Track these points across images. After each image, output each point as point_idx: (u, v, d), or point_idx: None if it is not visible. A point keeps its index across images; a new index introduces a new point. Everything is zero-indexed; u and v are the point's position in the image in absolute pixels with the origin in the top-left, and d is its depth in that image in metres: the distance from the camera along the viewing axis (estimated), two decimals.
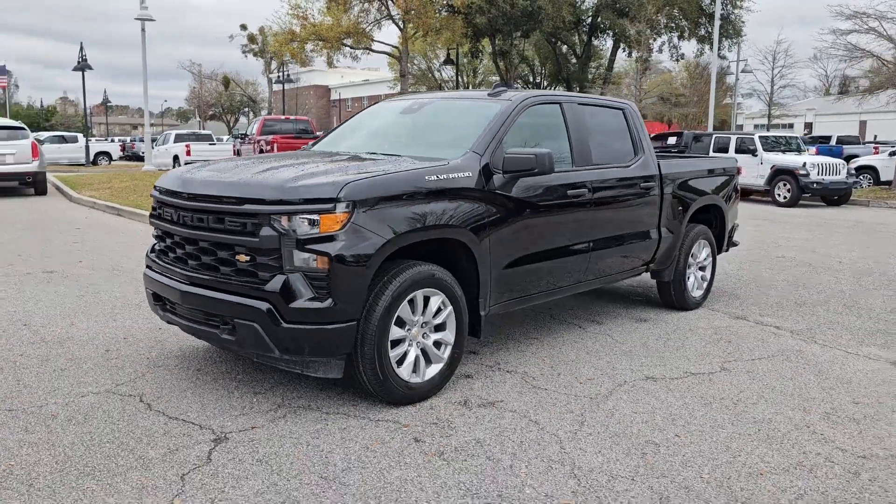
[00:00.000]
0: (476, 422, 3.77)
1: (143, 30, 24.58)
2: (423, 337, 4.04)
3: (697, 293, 6.51)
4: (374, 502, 2.93)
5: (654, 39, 34.05)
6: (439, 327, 4.13)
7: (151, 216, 4.33)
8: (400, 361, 3.92)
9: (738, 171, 7.12)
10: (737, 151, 17.87)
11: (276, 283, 3.60)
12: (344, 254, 3.56)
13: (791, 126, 58.39)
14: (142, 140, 38.82)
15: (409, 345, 3.97)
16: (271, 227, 3.59)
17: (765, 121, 52.47)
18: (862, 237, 11.64)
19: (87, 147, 36.58)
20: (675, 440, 3.60)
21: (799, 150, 18.07)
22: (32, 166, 15.64)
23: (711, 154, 18.38)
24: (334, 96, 78.71)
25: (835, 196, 16.96)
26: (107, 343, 5.04)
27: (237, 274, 3.75)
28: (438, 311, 4.09)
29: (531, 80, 47.67)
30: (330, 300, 3.57)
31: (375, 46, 30.50)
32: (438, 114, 5.17)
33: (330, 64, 31.34)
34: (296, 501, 2.92)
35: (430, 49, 36.91)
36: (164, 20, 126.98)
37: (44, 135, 40.33)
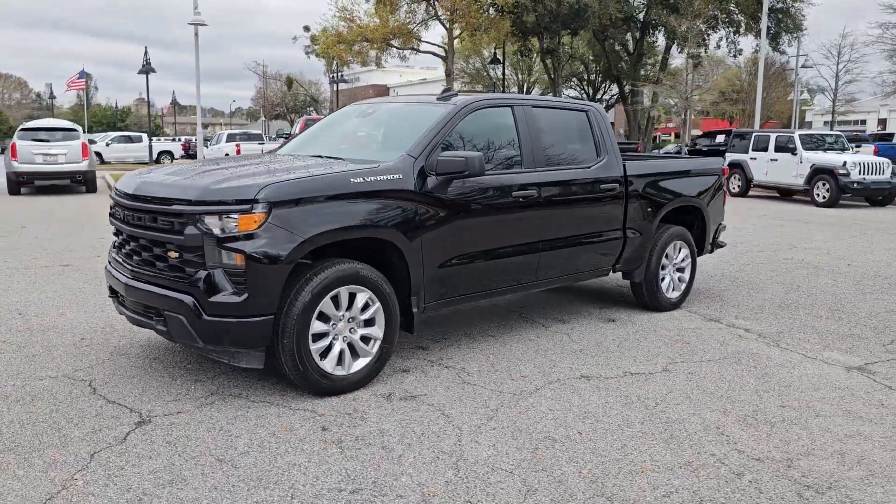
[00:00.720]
0: (389, 414, 3.94)
1: (196, 34, 25.54)
2: (349, 332, 4.23)
3: (674, 294, 6.49)
4: (254, 483, 3.14)
5: (708, 35, 33.29)
6: (369, 322, 4.31)
7: (109, 214, 4.66)
8: (325, 354, 4.12)
9: (724, 172, 7.03)
10: (776, 150, 17.39)
11: (198, 279, 3.85)
12: (259, 251, 3.78)
13: (863, 122, 56.00)
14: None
15: (335, 339, 4.17)
16: (195, 226, 3.84)
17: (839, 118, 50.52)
18: (890, 239, 11.23)
19: (150, 146, 38.17)
20: (576, 437, 3.69)
21: (843, 149, 17.44)
22: (82, 165, 16.52)
23: (751, 153, 17.99)
24: (392, 95, 79.64)
25: (878, 196, 16.31)
26: (84, 332, 5.42)
27: (169, 269, 4.03)
28: (367, 306, 4.27)
29: (585, 77, 47.25)
30: (246, 295, 3.80)
31: (423, 47, 30.81)
32: (389, 118, 5.35)
33: (378, 64, 31.83)
34: (183, 479, 3.15)
35: (478, 48, 36.94)
36: (238, 22, 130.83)
37: (111, 135, 42.32)
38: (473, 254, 4.80)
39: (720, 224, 7.08)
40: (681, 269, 6.58)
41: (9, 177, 16.42)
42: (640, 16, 32.72)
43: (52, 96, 71.43)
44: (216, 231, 3.81)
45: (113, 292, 4.60)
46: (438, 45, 29.93)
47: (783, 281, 7.79)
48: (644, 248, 6.14)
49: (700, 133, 33.43)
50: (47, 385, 4.28)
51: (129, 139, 39.67)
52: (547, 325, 5.86)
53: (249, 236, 3.79)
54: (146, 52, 37.81)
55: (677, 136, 59.03)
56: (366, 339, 4.31)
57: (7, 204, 14.84)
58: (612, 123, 59.85)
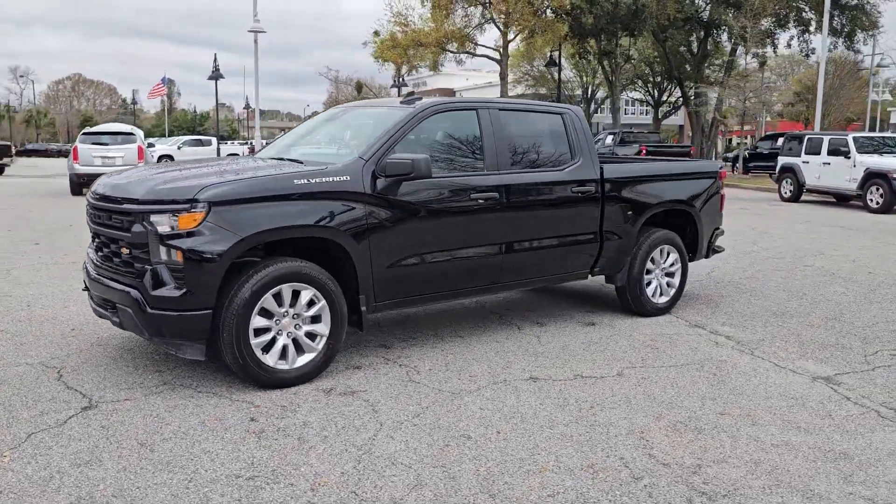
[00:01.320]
0: (322, 407, 4.07)
1: (255, 41, 26.45)
2: (294, 328, 4.39)
3: (661, 300, 6.39)
4: (161, 467, 3.32)
5: (776, 34, 32.16)
6: (316, 319, 4.47)
7: (87, 213, 4.97)
8: (268, 348, 4.29)
9: (721, 175, 6.87)
10: (829, 153, 16.71)
11: (143, 274, 4.09)
12: (196, 249, 3.99)
13: None
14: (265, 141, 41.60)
15: (279, 334, 4.33)
16: (141, 224, 4.08)
17: None
18: None
19: (217, 150, 39.63)
20: (492, 436, 3.73)
21: None
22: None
23: (804, 156, 17.37)
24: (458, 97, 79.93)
25: None
26: (77, 324, 5.77)
27: (122, 265, 4.28)
28: (312, 304, 4.42)
29: (651, 80, 46.27)
30: (185, 290, 4.01)
31: (479, 50, 30.94)
32: (352, 121, 5.49)
33: (434, 68, 32.14)
34: (99, 461, 3.37)
35: (535, 52, 36.78)
36: (317, 27, 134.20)
37: (183, 138, 44.18)
38: (427, 255, 4.88)
39: (716, 229, 6.92)
40: (670, 275, 6.47)
41: (70, 178, 17.44)
42: (703, 15, 31.87)
43: (133, 101, 74.84)
44: (159, 229, 4.03)
45: (86, 287, 4.90)
46: (493, 48, 29.99)
47: (790, 288, 7.54)
48: (624, 251, 6.08)
49: (763, 136, 32.32)
50: (21, 371, 4.61)
51: (200, 142, 41.35)
52: (522, 328, 5.88)
53: (189, 234, 4.00)
54: (215, 59, 39.38)
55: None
56: (312, 336, 4.46)
57: (66, 204, 15.76)
58: (681, 127, 58.46)
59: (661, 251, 6.35)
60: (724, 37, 32.97)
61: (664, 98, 46.53)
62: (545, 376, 4.69)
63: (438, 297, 5.15)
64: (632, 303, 6.27)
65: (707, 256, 6.94)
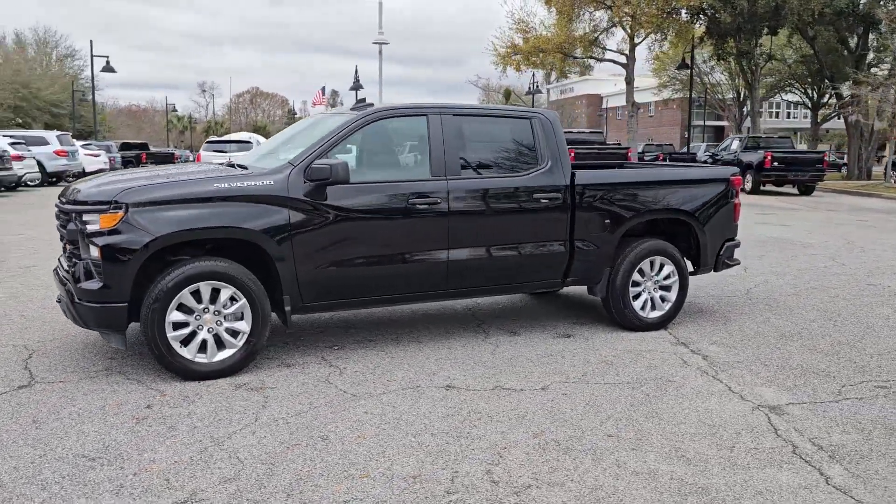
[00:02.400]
0: (219, 400, 4.26)
1: (380, 52, 27.54)
2: (216, 324, 4.63)
3: (653, 314, 6.01)
4: (29, 442, 3.64)
5: None
6: (239, 317, 4.68)
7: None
8: (188, 342, 4.56)
9: (733, 182, 6.34)
10: None
11: (74, 268, 4.50)
12: (112, 246, 4.34)
13: None
14: None
15: (199, 329, 4.59)
16: (75, 223, 4.50)
17: None
18: None
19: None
20: (350, 440, 3.74)
21: None
22: None
23: None
24: (605, 104, 78.27)
25: None
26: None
27: (68, 260, 4.73)
28: (233, 301, 4.64)
29: (809, 80, 42.75)
30: (101, 284, 4.37)
31: (607, 55, 30.21)
32: (310, 128, 5.64)
33: (561, 73, 31.73)
34: None
35: (670, 52, 35.19)
36: (478, 37, 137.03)
37: None
38: (359, 259, 4.95)
39: (728, 240, 6.38)
40: (665, 288, 6.07)
41: None
42: (857, 9, 29.05)
43: (291, 112, 80.00)
44: (87, 227, 4.43)
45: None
46: (618, 52, 29.12)
47: (828, 308, 6.79)
48: (601, 261, 5.80)
49: None
50: (1, 353, 5.21)
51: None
52: (490, 336, 5.78)
53: (109, 232, 4.35)
54: (356, 71, 41.39)
55: None
56: (234, 332, 4.68)
57: None
58: (826, 131, 53.21)
59: (651, 263, 5.97)
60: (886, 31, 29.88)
61: (824, 100, 42.82)
62: (463, 385, 4.60)
63: (375, 302, 5.20)
64: (616, 316, 5.96)
65: (717, 269, 6.43)
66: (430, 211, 5.11)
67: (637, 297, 5.96)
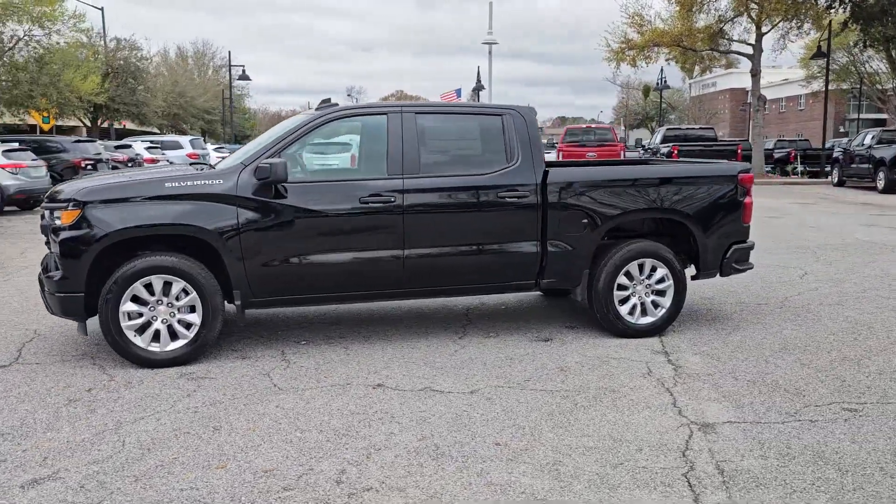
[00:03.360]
0: (154, 387, 4.50)
1: (489, 52, 27.58)
2: (170, 315, 4.90)
3: (643, 320, 5.65)
4: None
5: None
6: (191, 309, 4.92)
7: None
8: (143, 331, 4.86)
9: (742, 179, 5.82)
10: None
11: (46, 260, 4.93)
12: (69, 240, 4.71)
13: None
14: None
15: (153, 320, 4.87)
16: (50, 219, 4.93)
17: None
18: None
19: None
20: (239, 430, 3.83)
21: None
22: None
23: None
24: (749, 99, 73.58)
25: None
26: None
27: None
28: (186, 294, 4.88)
29: None
30: (60, 274, 4.75)
31: (731, 47, 28.41)
32: (277, 128, 5.77)
33: (685, 69, 30.17)
34: None
35: (809, 42, 32.40)
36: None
37: None
38: (310, 256, 5.03)
39: (736, 242, 5.86)
40: (658, 293, 5.68)
41: None
42: None
43: None
44: (55, 223, 4.83)
45: None
46: (741, 42, 27.25)
47: (860, 321, 6.05)
48: (578, 263, 5.52)
49: None
50: (3, 330, 5.79)
51: None
52: (464, 336, 5.68)
53: (65, 228, 4.73)
54: (478, 72, 41.74)
55: None
56: (187, 324, 4.93)
57: None
58: None
59: (640, 265, 5.61)
60: None
61: None
62: (394, 385, 4.57)
63: (329, 300, 5.27)
64: (601, 321, 5.66)
65: (724, 274, 5.92)
66: (384, 210, 5.11)
67: (625, 301, 5.62)
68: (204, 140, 47.25)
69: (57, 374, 4.79)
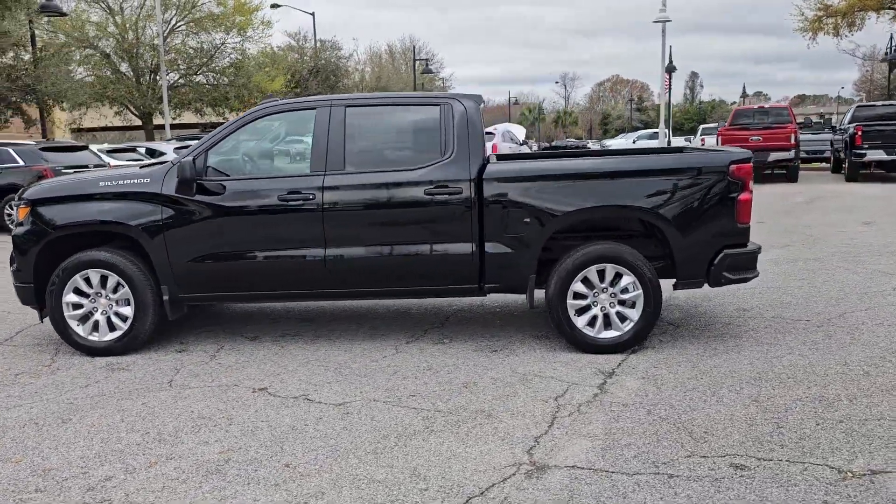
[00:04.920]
0: (66, 375, 4.77)
1: (663, 31, 25.71)
2: (109, 308, 5.17)
3: (605, 335, 4.92)
4: None
5: None
6: (129, 302, 5.16)
7: None
8: (84, 321, 5.18)
9: (736, 171, 4.81)
10: None
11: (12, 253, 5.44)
12: (18, 235, 5.14)
13: None
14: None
15: (94, 311, 5.17)
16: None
17: None
18: None
19: (668, 143, 39.41)
20: (79, 424, 3.93)
21: None
22: None
23: None
24: None
25: None
26: None
27: None
28: (121, 287, 5.12)
29: None
30: (15, 267, 5.20)
31: None
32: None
33: None
34: None
35: None
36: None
37: (641, 132, 44.95)
38: (231, 254, 5.02)
39: (728, 246, 4.89)
40: (627, 304, 4.93)
41: None
42: None
43: (632, 100, 78.64)
44: (16, 220, 5.32)
45: None
46: None
47: (871, 342, 4.75)
48: (522, 267, 4.94)
49: None
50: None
51: (656, 136, 41.59)
52: (409, 342, 5.34)
53: (19, 224, 5.17)
54: (669, 52, 39.18)
55: None
56: (123, 317, 5.17)
57: None
58: None
59: (600, 272, 4.89)
60: None
61: None
62: (276, 391, 4.42)
63: (254, 298, 5.23)
64: (559, 332, 5.04)
65: (715, 284, 4.97)
66: (304, 208, 4.95)
67: (583, 311, 4.94)
68: None
69: (15, 355, 5.26)
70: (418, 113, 5.12)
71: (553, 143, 76.37)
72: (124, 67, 26.77)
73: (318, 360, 4.98)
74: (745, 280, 5.03)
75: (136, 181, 5.07)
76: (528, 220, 4.87)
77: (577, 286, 4.90)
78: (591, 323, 4.93)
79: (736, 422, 3.73)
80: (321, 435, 3.75)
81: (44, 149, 12.45)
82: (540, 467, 3.31)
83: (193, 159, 4.92)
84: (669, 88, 42.73)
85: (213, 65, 27.40)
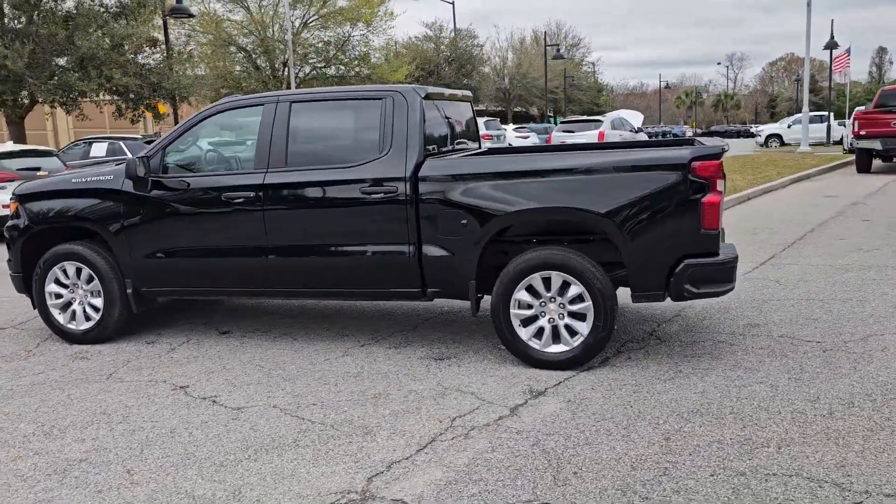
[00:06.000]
0: (35, 363, 5.05)
1: (808, 4, 23.29)
2: (85, 298, 5.43)
3: (552, 349, 4.47)
4: None
5: None
6: (98, 294, 5.39)
7: None
8: (65, 310, 5.48)
9: (698, 169, 4.16)
10: None
11: None
12: (9, 229, 5.50)
13: None
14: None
15: (73, 301, 5.44)
16: None
17: None
18: None
19: (828, 126, 35.70)
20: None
21: None
22: None
23: None
24: None
25: None
26: None
27: None
28: (93, 279, 5.36)
29: None
30: (9, 257, 5.59)
31: None
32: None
33: None
34: None
35: None
36: None
37: (796, 116, 41.08)
38: (181, 251, 5.08)
39: (690, 255, 4.25)
40: (577, 316, 4.45)
41: None
42: None
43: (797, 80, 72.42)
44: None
45: None
46: None
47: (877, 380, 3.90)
48: (461, 272, 4.60)
49: None
50: None
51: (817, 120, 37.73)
52: (364, 345, 5.17)
53: (10, 219, 5.54)
54: (832, 26, 35.59)
55: None
56: (96, 307, 5.41)
57: None
58: None
59: (546, 279, 4.45)
60: None
61: None
62: (194, 391, 4.40)
63: (206, 293, 5.25)
64: (504, 344, 4.66)
65: (677, 298, 4.35)
66: (246, 206, 4.90)
67: (530, 322, 4.53)
68: (554, 120, 48.80)
69: (7, 338, 5.67)
70: (361, 108, 4.90)
71: (709, 129, 72.18)
72: (261, 62, 28.37)
73: (262, 359, 4.93)
74: (715, 294, 4.37)
75: (101, 178, 5.26)
76: (465, 221, 4.51)
77: (521, 294, 4.48)
78: (539, 335, 4.50)
79: (620, 464, 3.23)
80: (191, 441, 3.68)
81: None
82: (366, 498, 3.04)
83: (146, 157, 5.02)
84: (830, 67, 38.84)
85: (342, 57, 28.36)
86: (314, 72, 29.30)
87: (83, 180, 5.32)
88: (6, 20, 16.10)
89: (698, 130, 71.93)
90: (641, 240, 4.26)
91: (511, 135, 29.60)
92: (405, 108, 4.70)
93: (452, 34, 42.11)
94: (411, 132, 4.65)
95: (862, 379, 4.07)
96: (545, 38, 44.81)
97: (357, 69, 27.75)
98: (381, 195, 4.64)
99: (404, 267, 4.70)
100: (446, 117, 5.42)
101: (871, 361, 4.35)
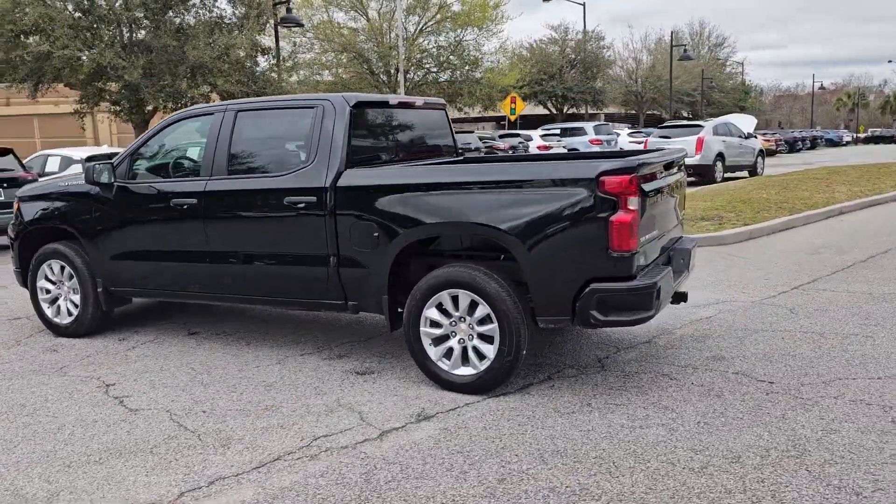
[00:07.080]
0: (13, 352, 5.48)
1: None
2: (68, 294, 5.81)
3: (459, 371, 4.25)
4: None
5: None
6: (77, 291, 5.75)
7: None
8: (53, 304, 5.89)
9: (607, 185, 3.78)
10: None
11: None
12: (13, 226, 5.99)
13: None
14: None
15: (59, 297, 5.84)
16: None
17: None
18: None
19: None
20: None
21: None
22: (694, 160, 17.24)
23: None
24: None
25: None
26: None
27: None
28: (73, 277, 5.73)
29: None
30: (12, 253, 6.08)
31: None
32: None
33: None
34: None
35: None
36: None
37: None
38: (133, 254, 5.30)
39: (595, 279, 3.87)
40: (485, 338, 4.20)
41: None
42: None
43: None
44: None
45: None
46: None
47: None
48: (374, 286, 4.46)
49: None
50: None
51: None
52: (296, 356, 5.16)
53: (15, 216, 6.03)
54: None
55: None
56: (75, 304, 5.77)
57: None
58: None
59: (454, 297, 4.23)
60: None
61: None
62: (113, 389, 4.57)
63: (164, 295, 5.44)
64: (416, 363, 4.48)
65: (586, 325, 3.98)
66: (190, 212, 5.03)
67: (440, 341, 4.33)
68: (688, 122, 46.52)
69: (6, 330, 6.16)
70: (297, 116, 4.88)
71: (872, 133, 66.12)
72: (375, 67, 29.18)
73: (201, 362, 5.04)
74: (629, 323, 3.96)
75: (77, 183, 5.60)
76: (376, 234, 4.38)
77: (431, 312, 4.29)
78: (448, 355, 4.29)
79: (427, 502, 2.99)
80: (67, 439, 3.82)
81: None
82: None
83: (112, 164, 5.28)
84: None
85: (455, 61, 28.58)
86: (428, 76, 29.75)
87: (66, 185, 5.69)
88: (125, 33, 17.62)
89: (858, 136, 66.15)
90: (544, 260, 3.94)
91: (625, 139, 28.56)
92: (333, 117, 4.63)
93: (579, 36, 41.21)
94: (335, 141, 4.58)
95: (780, 429, 3.53)
96: (672, 38, 42.77)
97: (468, 73, 27.86)
98: (303, 205, 4.60)
99: (327, 279, 4.63)
100: (403, 126, 5.30)
101: (811, 410, 3.76)
